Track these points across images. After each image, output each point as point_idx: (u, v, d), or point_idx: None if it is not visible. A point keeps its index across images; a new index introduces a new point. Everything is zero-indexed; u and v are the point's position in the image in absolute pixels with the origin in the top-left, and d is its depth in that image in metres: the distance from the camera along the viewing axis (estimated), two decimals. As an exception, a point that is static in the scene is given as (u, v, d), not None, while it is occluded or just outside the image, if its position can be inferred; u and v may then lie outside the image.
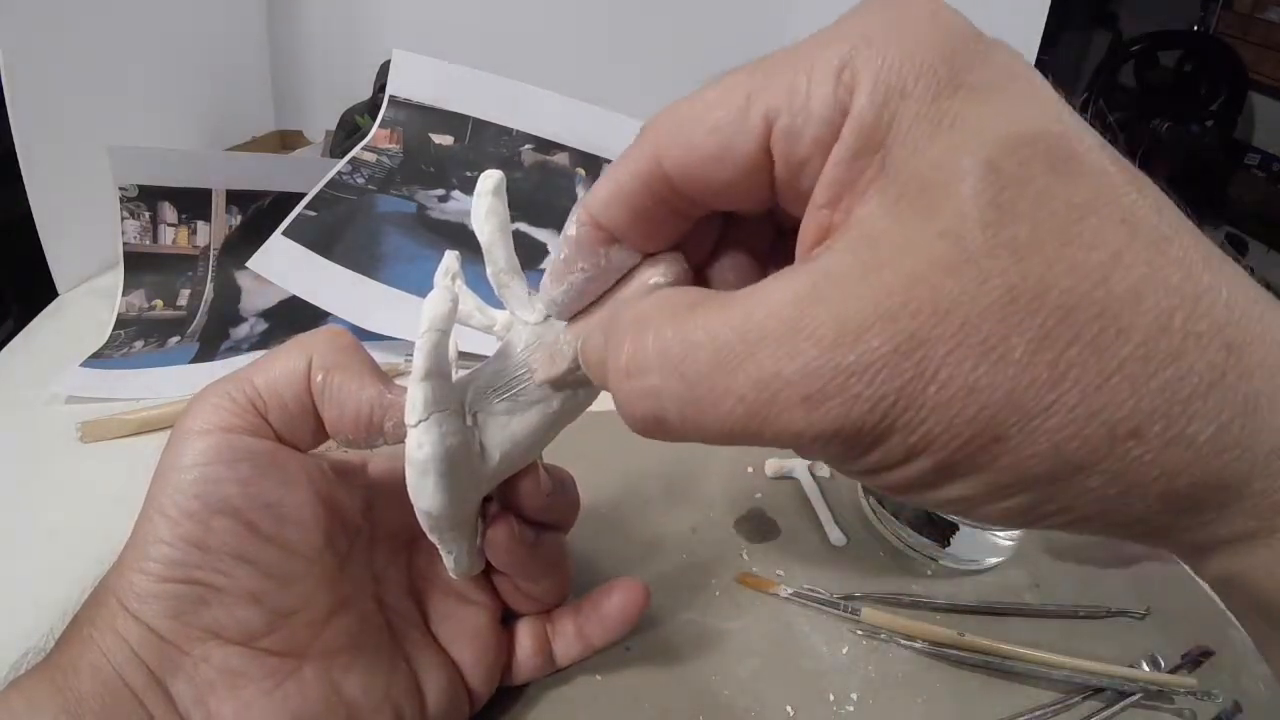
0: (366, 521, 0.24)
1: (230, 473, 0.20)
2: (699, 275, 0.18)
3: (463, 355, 0.25)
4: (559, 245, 0.18)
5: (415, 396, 0.19)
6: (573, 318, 0.20)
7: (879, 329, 0.12)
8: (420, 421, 0.19)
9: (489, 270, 0.21)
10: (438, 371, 0.19)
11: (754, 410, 0.13)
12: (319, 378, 0.21)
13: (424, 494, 0.20)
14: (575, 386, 0.21)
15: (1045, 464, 0.12)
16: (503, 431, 0.21)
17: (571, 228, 0.17)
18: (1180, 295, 0.12)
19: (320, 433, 0.22)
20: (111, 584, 0.20)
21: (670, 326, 0.14)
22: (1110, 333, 0.11)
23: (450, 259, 0.22)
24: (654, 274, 0.18)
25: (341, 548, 0.23)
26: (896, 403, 0.12)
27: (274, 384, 0.21)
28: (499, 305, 0.22)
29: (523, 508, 0.23)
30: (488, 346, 0.22)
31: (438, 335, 0.19)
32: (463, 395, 0.21)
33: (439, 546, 0.22)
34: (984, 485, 0.13)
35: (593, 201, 0.17)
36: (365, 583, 0.24)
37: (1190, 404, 0.12)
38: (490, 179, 0.20)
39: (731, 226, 0.18)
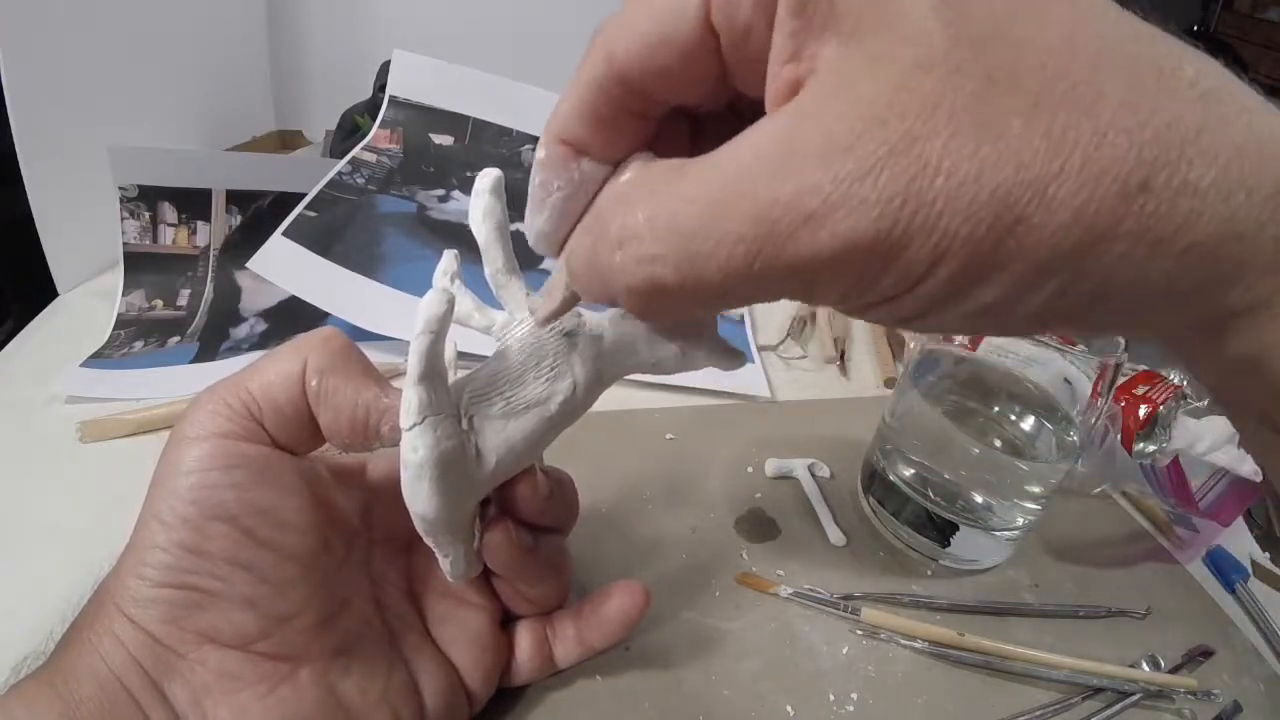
0: (364, 524, 0.24)
1: (226, 479, 0.20)
2: None
3: (462, 355, 0.25)
4: (532, 174, 0.17)
5: (410, 399, 0.19)
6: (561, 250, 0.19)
7: (870, 135, 0.12)
8: (415, 425, 0.19)
9: (487, 270, 0.21)
10: (433, 374, 0.19)
11: (755, 247, 0.13)
12: (314, 382, 0.20)
13: (419, 498, 0.20)
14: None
15: (1070, 236, 0.12)
16: (499, 435, 0.21)
17: (541, 151, 0.17)
18: (1143, 62, 0.12)
19: (316, 436, 0.21)
20: (109, 589, 0.20)
21: (658, 190, 0.14)
22: (1090, 95, 0.12)
23: (449, 259, 0.22)
24: (627, 174, 0.17)
25: (339, 551, 0.23)
26: (906, 202, 0.12)
27: (269, 389, 0.20)
28: (498, 306, 0.22)
29: (520, 511, 0.23)
30: (487, 347, 0.22)
31: (432, 337, 0.19)
32: (459, 398, 0.21)
33: (435, 550, 0.22)
34: (1014, 280, 0.12)
35: (554, 120, 0.16)
36: (363, 585, 0.24)
37: (1185, 150, 0.12)
38: (487, 178, 0.20)
39: (698, 134, 0.18)
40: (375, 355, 0.33)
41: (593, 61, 0.15)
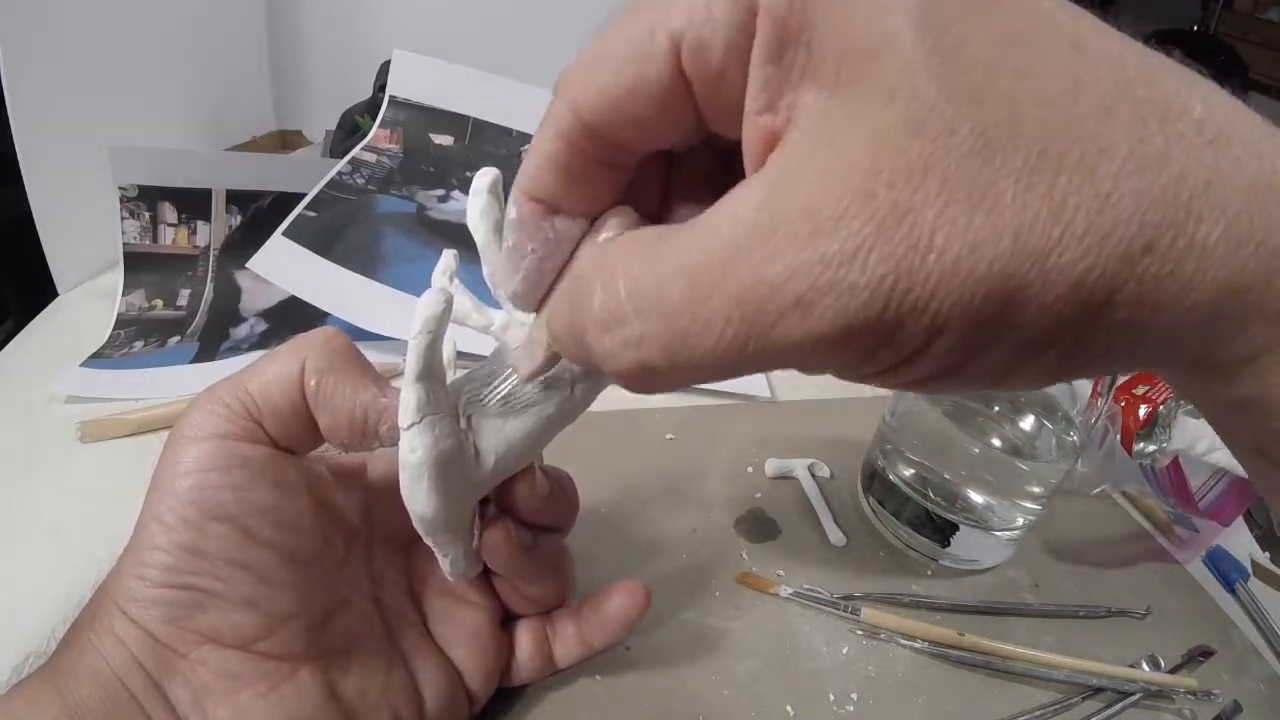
0: (365, 524, 0.24)
1: (226, 479, 0.20)
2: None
3: (461, 355, 0.25)
4: (505, 234, 0.17)
5: (408, 399, 0.19)
6: (540, 306, 0.19)
7: (856, 208, 0.11)
8: (413, 425, 0.19)
9: (485, 269, 0.21)
10: (431, 374, 0.19)
11: (744, 330, 0.12)
12: (313, 382, 0.20)
13: (417, 498, 0.20)
14: (561, 380, 0.21)
15: (1071, 304, 0.11)
16: (497, 434, 0.21)
17: (511, 210, 0.16)
18: (1150, 103, 0.11)
19: (316, 437, 0.21)
20: (110, 589, 0.20)
21: (637, 264, 0.13)
22: (1093, 153, 0.11)
23: (447, 258, 0.22)
24: (605, 231, 0.16)
25: (339, 550, 0.23)
26: (898, 282, 0.11)
27: (268, 389, 0.20)
28: (497, 305, 0.22)
29: (519, 510, 0.23)
30: (486, 347, 0.22)
31: (430, 337, 0.19)
32: (457, 398, 0.21)
33: (435, 549, 0.22)
34: (1015, 348, 0.12)
35: (522, 177, 0.16)
36: (363, 584, 0.24)
37: (1192, 206, 0.11)
38: (485, 177, 0.20)
39: (674, 170, 0.17)
40: (375, 355, 0.33)
41: (556, 115, 0.15)
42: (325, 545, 0.22)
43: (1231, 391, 0.13)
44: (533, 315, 0.21)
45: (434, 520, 0.21)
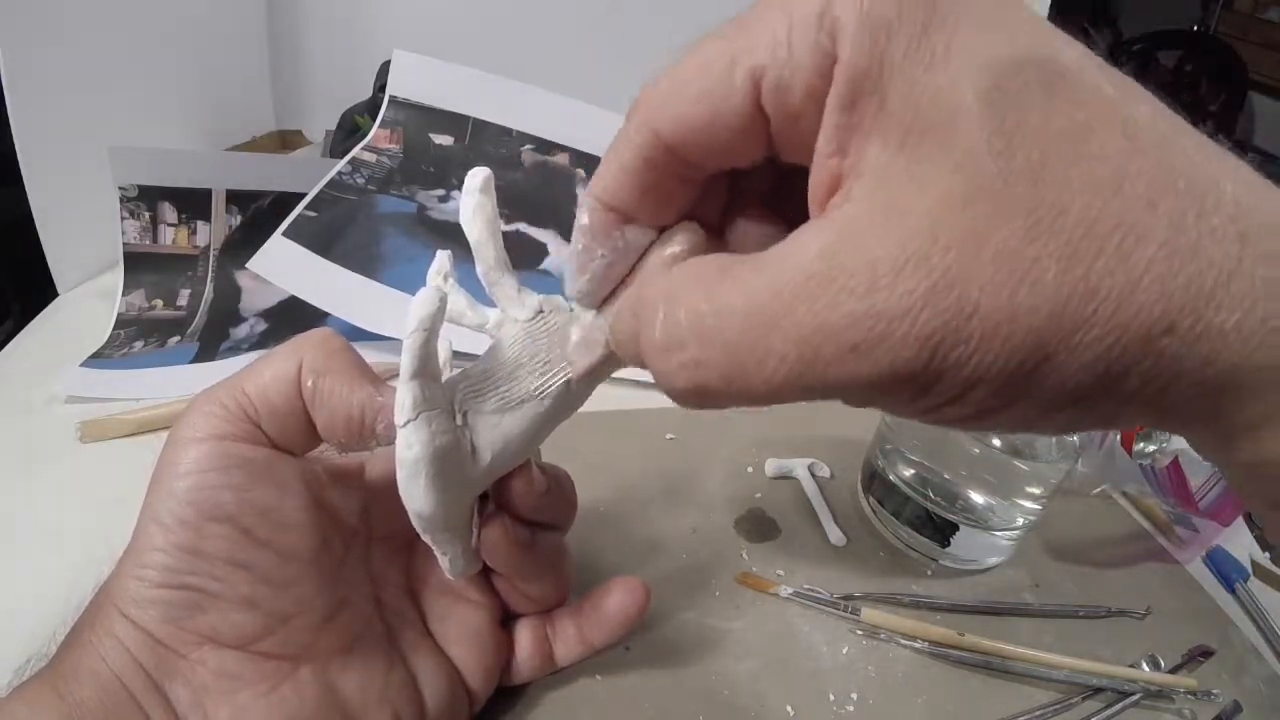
0: (364, 524, 0.24)
1: (224, 479, 0.20)
2: (714, 238, 0.19)
3: (457, 355, 0.25)
4: (574, 237, 0.18)
5: (404, 397, 0.19)
6: (601, 305, 0.20)
7: (912, 270, 0.12)
8: (409, 422, 0.19)
9: (479, 268, 0.21)
10: (425, 371, 0.19)
11: (799, 367, 0.13)
12: (309, 382, 0.20)
13: (415, 495, 0.20)
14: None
15: (1091, 375, 0.12)
16: (494, 431, 0.21)
17: (584, 216, 0.17)
18: (1190, 195, 0.12)
19: (313, 437, 0.21)
20: (110, 590, 0.20)
21: (701, 296, 0.14)
22: (1131, 240, 0.12)
23: (442, 258, 0.22)
24: (672, 246, 0.18)
25: (338, 551, 0.23)
26: (943, 341, 0.12)
27: (265, 390, 0.20)
28: (491, 304, 0.22)
29: (516, 507, 0.23)
30: (482, 347, 0.22)
31: (425, 334, 0.19)
32: (452, 395, 0.21)
33: (434, 548, 0.22)
34: (1037, 406, 0.13)
35: (599, 186, 0.17)
36: (363, 584, 0.24)
37: (1214, 295, 0.12)
38: (477, 176, 0.20)
39: (737, 181, 0.18)
40: (375, 355, 0.33)
41: (636, 132, 0.16)
42: (324, 545, 0.22)
43: (1245, 454, 0.14)
44: (530, 318, 0.21)
45: (432, 517, 0.21)
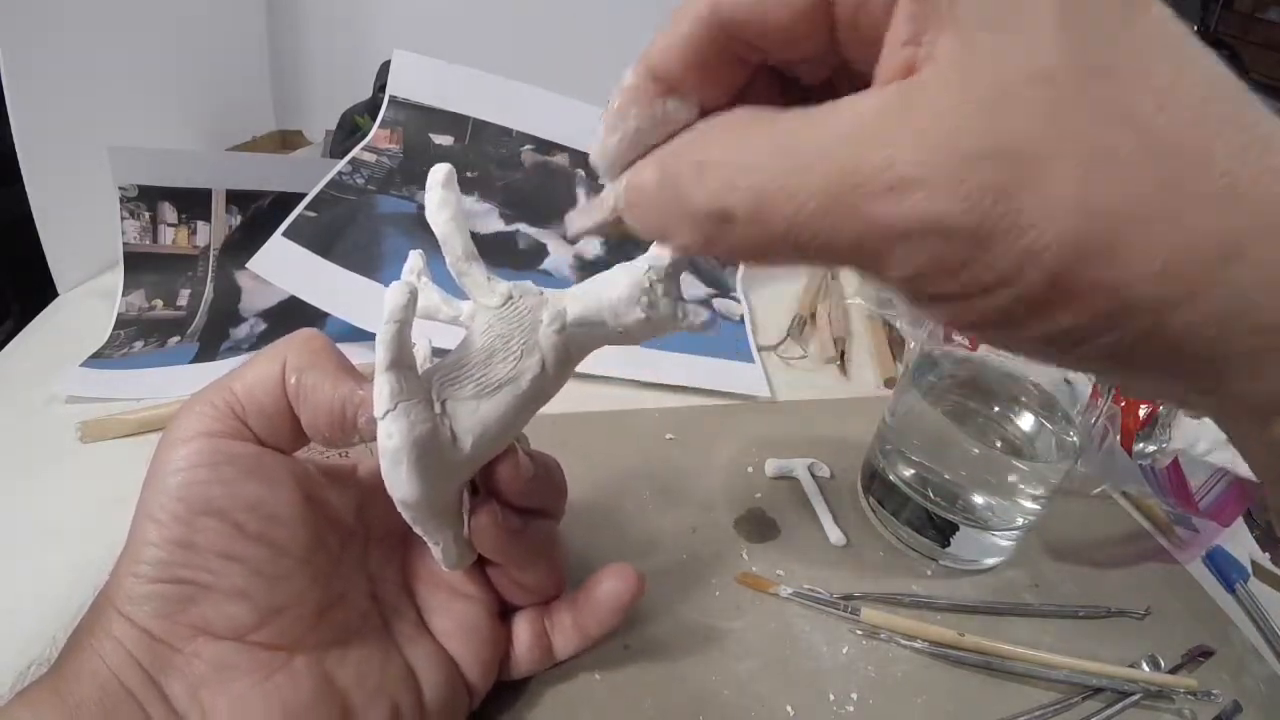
0: (359, 523, 0.25)
1: (214, 475, 0.20)
2: None
3: (436, 352, 0.25)
4: (613, 96, 0.17)
5: (381, 387, 0.20)
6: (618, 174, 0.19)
7: (978, 127, 0.12)
8: (388, 412, 0.20)
9: (448, 260, 0.22)
10: (401, 361, 0.20)
11: (833, 200, 0.13)
12: (293, 379, 0.21)
13: (398, 483, 0.20)
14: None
15: (1157, 287, 0.12)
16: (472, 416, 0.21)
17: (629, 76, 0.17)
18: (1252, 134, 0.12)
19: (300, 434, 0.22)
20: (108, 591, 0.20)
21: (745, 131, 0.14)
22: (1202, 159, 0.11)
23: (414, 258, 0.23)
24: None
25: (334, 547, 0.23)
26: (998, 201, 0.12)
27: (251, 389, 0.21)
28: (465, 297, 0.23)
29: (505, 492, 0.23)
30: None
31: (398, 325, 0.19)
32: (430, 384, 0.21)
33: (425, 538, 0.23)
34: (1091, 314, 0.12)
35: (652, 51, 0.16)
36: (359, 580, 0.24)
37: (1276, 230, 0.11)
38: (439, 173, 0.21)
39: (787, 87, 0.18)
40: (373, 355, 0.33)
41: (698, 3, 0.15)
42: (319, 542, 0.22)
43: (1273, 432, 0.13)
44: (500, 305, 0.21)
45: (417, 504, 0.21)
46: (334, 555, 0.23)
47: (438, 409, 0.21)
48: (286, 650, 0.21)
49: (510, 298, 0.22)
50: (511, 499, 0.24)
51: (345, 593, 0.23)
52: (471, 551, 0.24)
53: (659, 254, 0.22)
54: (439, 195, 0.21)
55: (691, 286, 0.58)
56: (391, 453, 0.20)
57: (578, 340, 0.22)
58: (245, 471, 0.21)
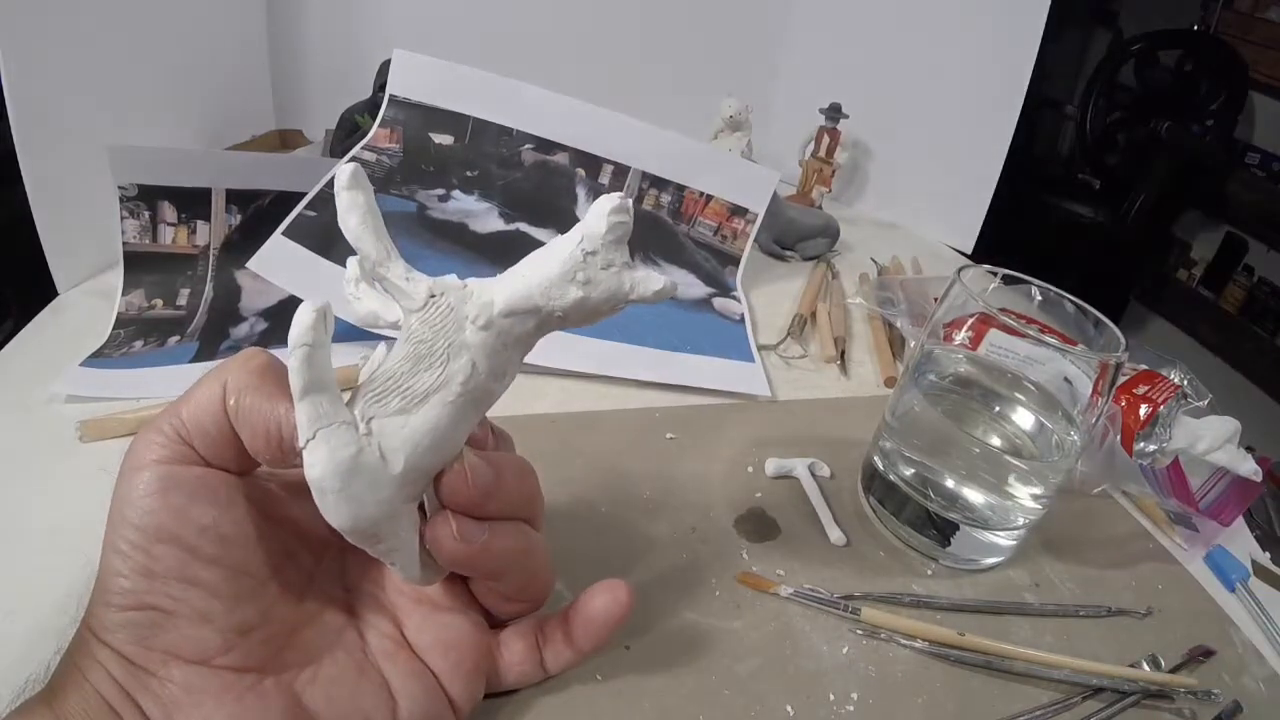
0: (335, 535, 0.24)
1: (163, 502, 0.20)
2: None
3: None
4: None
5: (299, 416, 0.19)
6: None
7: None
8: (308, 441, 0.19)
9: (363, 267, 0.21)
10: (316, 386, 0.19)
11: None
12: (232, 401, 0.21)
13: (329, 511, 0.20)
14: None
15: None
16: (401, 433, 0.20)
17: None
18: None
19: (246, 455, 0.22)
20: (88, 619, 0.21)
21: None
22: None
23: (352, 266, 0.22)
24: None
25: (306, 563, 0.23)
26: None
27: (195, 413, 0.21)
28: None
29: (454, 504, 0.23)
30: None
31: (307, 349, 0.19)
32: (356, 404, 0.20)
33: (381, 559, 0.22)
34: None
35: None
36: (335, 596, 0.24)
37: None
38: (343, 174, 0.20)
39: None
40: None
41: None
42: (287, 558, 0.22)
43: None
44: (420, 308, 0.21)
45: (354, 531, 0.20)
46: (307, 571, 0.23)
47: (363, 429, 0.20)
48: (256, 671, 0.21)
49: (432, 296, 0.20)
50: (466, 509, 0.23)
51: (319, 610, 0.23)
52: (438, 566, 0.23)
53: (595, 221, 0.20)
54: (345, 198, 0.20)
55: (691, 286, 0.58)
56: (315, 481, 0.19)
57: (511, 333, 0.21)
58: (192, 496, 0.21)
